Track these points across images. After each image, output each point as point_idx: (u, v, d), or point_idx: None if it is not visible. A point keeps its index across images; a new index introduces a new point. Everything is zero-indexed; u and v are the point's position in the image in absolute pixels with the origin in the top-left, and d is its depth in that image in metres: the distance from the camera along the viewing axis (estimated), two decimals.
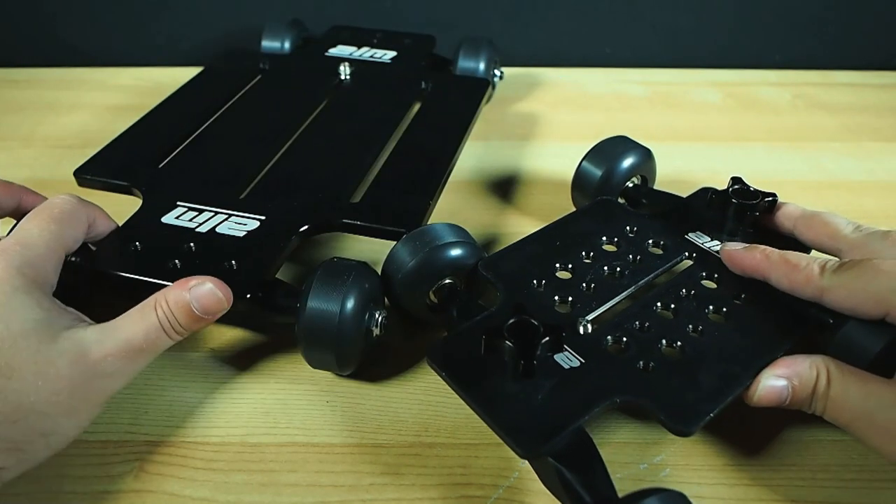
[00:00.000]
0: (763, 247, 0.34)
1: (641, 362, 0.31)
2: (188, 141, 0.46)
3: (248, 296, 0.33)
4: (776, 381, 0.29)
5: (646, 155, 0.44)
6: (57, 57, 0.69)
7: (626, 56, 0.71)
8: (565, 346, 0.31)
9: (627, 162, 0.43)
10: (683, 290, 0.35)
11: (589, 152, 0.44)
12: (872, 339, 0.31)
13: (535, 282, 0.35)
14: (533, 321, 0.29)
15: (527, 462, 0.32)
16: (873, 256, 0.31)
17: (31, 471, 0.31)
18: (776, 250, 0.33)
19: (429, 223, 0.38)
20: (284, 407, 0.34)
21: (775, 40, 0.70)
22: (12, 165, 0.53)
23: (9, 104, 0.62)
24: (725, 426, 0.33)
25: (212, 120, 0.49)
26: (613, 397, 0.29)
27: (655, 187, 0.46)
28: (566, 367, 0.30)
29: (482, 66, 0.58)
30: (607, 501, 0.26)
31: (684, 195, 0.42)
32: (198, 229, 0.37)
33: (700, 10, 0.69)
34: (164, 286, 0.33)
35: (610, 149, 0.44)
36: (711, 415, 0.28)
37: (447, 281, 0.36)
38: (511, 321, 0.29)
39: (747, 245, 0.35)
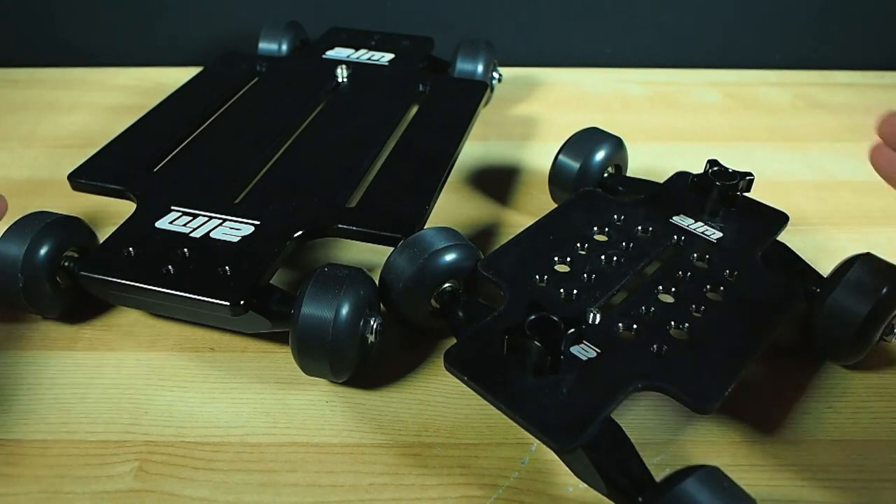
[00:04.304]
0: None
1: (654, 346, 0.31)
2: (183, 145, 0.46)
3: (242, 302, 0.33)
4: None
5: (618, 144, 0.45)
6: (57, 57, 0.69)
7: (626, 56, 0.71)
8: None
9: (602, 152, 0.44)
10: (679, 273, 0.36)
11: (563, 146, 0.45)
12: (859, 304, 0.32)
13: (536, 277, 0.35)
14: (553, 317, 0.29)
15: (526, 462, 0.32)
16: None
17: (31, 470, 0.31)
18: None
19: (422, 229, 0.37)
20: (284, 407, 0.34)
21: (775, 40, 0.70)
22: (12, 165, 0.53)
23: (9, 104, 0.62)
24: (725, 427, 0.33)
25: (207, 124, 0.49)
26: (635, 383, 0.29)
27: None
28: (584, 358, 0.30)
29: (480, 68, 0.57)
30: (645, 485, 0.26)
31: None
32: (192, 234, 0.37)
33: (700, 10, 0.69)
34: (158, 292, 0.33)
35: (584, 141, 0.45)
36: (728, 390, 0.29)
37: (447, 285, 0.36)
38: (531, 318, 0.29)
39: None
